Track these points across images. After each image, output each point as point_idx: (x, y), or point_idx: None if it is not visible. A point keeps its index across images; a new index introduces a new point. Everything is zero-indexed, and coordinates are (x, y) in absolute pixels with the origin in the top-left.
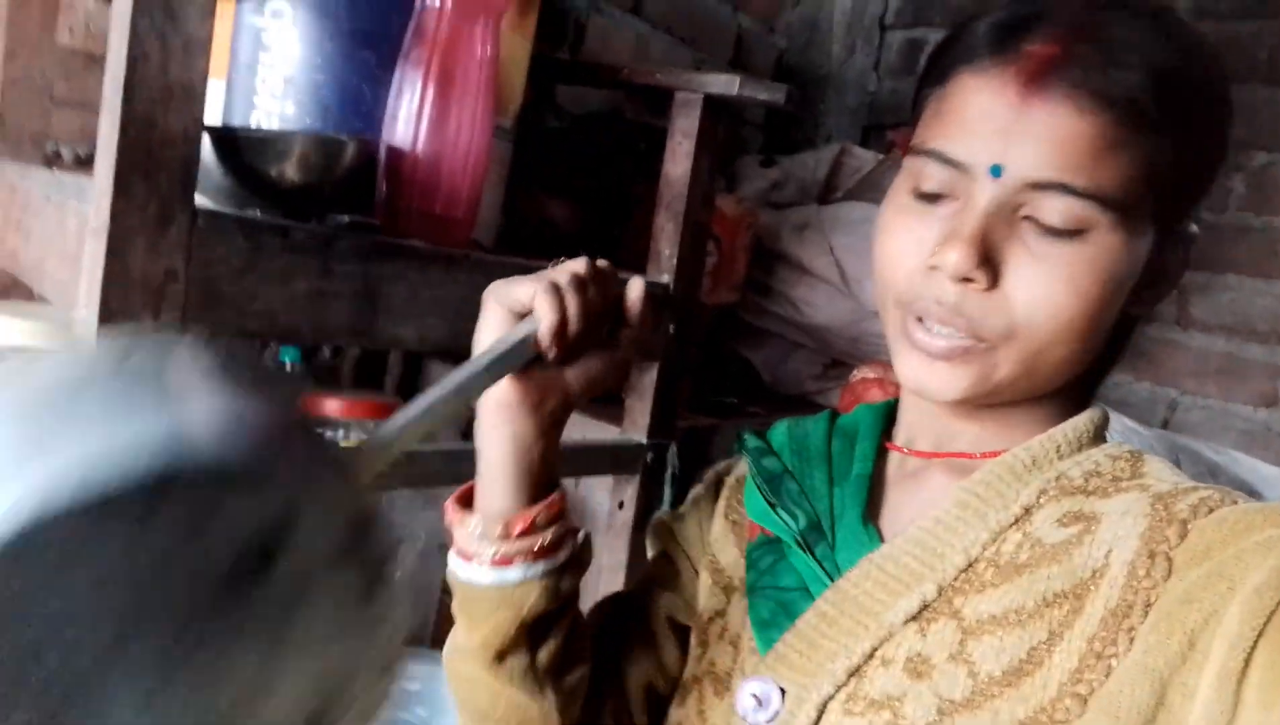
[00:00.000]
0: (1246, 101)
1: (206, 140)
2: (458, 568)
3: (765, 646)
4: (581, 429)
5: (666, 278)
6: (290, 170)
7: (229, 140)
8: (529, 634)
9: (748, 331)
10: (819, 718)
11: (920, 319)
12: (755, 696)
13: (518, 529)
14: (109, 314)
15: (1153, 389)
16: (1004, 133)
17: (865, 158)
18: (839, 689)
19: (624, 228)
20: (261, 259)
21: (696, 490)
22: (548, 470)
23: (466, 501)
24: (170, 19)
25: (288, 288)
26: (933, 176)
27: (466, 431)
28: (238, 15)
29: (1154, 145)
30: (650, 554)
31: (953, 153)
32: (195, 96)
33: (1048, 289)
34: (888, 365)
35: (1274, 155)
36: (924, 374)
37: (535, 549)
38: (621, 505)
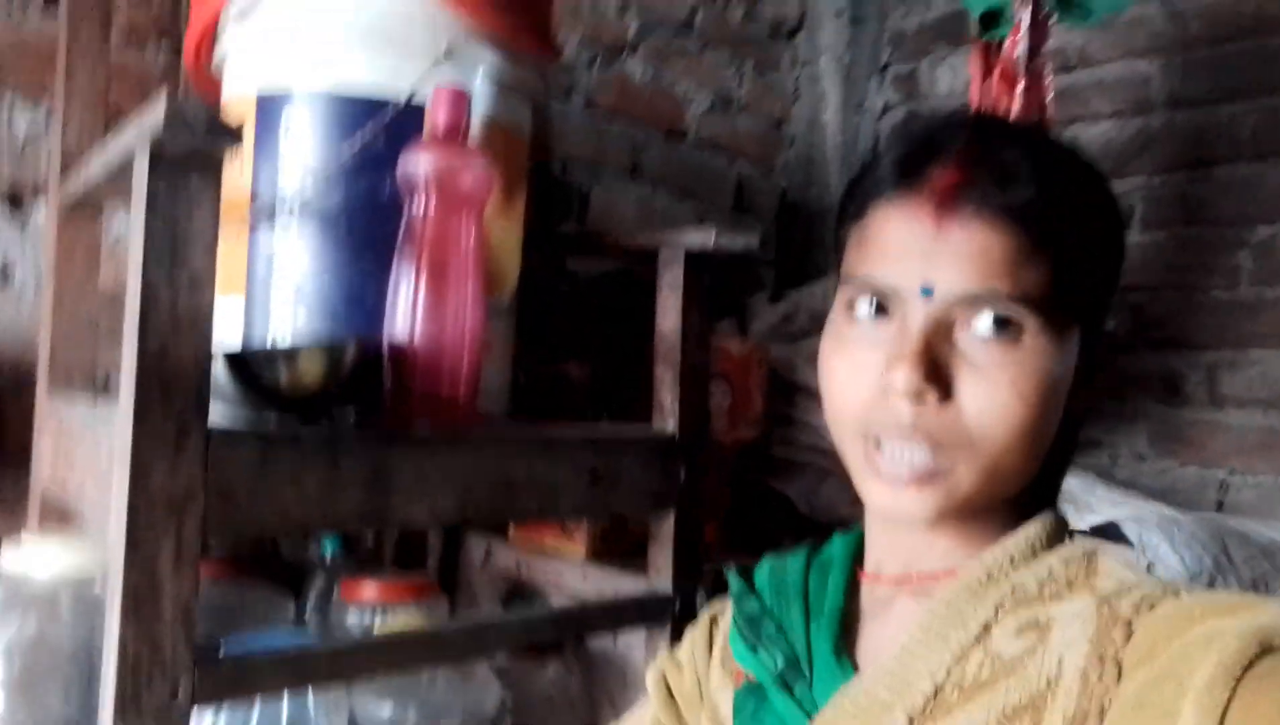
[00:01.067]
0: (1238, 180)
1: (218, 364)
2: None
3: None
4: (614, 583)
5: (671, 426)
6: (298, 379)
7: (238, 360)
8: None
9: (779, 465)
10: None
11: (879, 445)
12: None
13: None
14: (135, 532)
15: (1200, 472)
16: (926, 256)
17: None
18: None
19: (638, 383)
20: (273, 465)
21: (692, 633)
22: None
23: None
24: (176, 258)
25: (299, 486)
26: (866, 301)
27: (510, 592)
28: (252, 239)
29: (1060, 249)
30: (649, 707)
31: (883, 279)
32: (203, 325)
33: (996, 396)
34: None
35: (1275, 226)
36: (892, 501)
37: None
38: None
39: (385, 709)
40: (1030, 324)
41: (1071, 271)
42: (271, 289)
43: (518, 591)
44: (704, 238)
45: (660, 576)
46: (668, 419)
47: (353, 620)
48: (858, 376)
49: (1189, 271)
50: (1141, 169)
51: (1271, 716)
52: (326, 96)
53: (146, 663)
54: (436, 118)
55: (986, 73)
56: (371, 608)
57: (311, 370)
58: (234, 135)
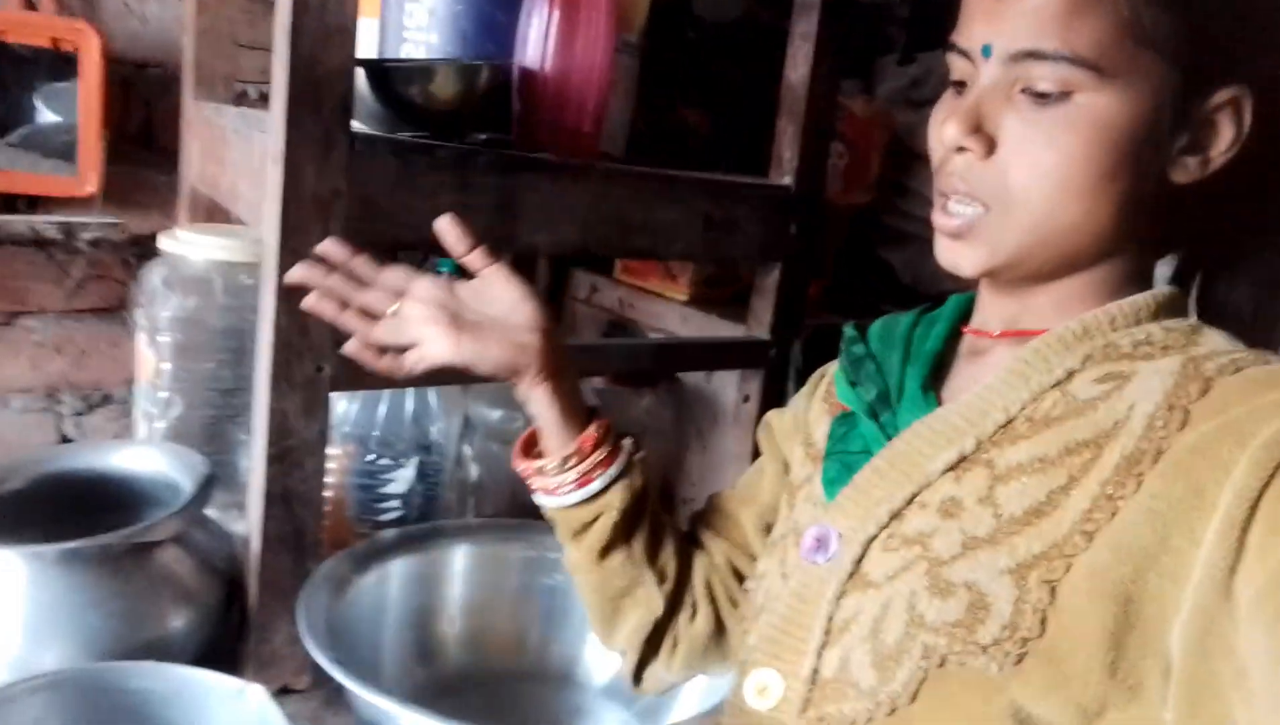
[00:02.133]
0: None
1: (361, 74)
2: (549, 503)
3: (830, 499)
4: (712, 327)
5: (788, 180)
6: (433, 95)
7: (379, 72)
8: (623, 529)
9: (888, 233)
10: (863, 554)
11: (946, 201)
12: (816, 538)
13: (576, 454)
14: (288, 228)
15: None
16: (989, 16)
17: None
18: (881, 529)
19: (757, 137)
20: (410, 176)
21: (803, 388)
22: (575, 411)
23: (526, 453)
24: None
25: (433, 201)
26: (955, 67)
27: (611, 327)
28: None
29: (1128, 3)
30: (761, 449)
31: (960, 43)
32: (349, 36)
33: (1033, 151)
34: None
35: None
36: (946, 253)
37: (602, 460)
38: (747, 399)
39: (496, 413)
40: (1083, 82)
41: (1147, 29)
42: (404, 14)
43: (619, 327)
44: None
45: (760, 325)
46: (785, 173)
47: None
48: (936, 137)
49: None
50: None
51: None
52: None
53: (296, 344)
54: None
55: None
56: None
57: (447, 86)
58: None
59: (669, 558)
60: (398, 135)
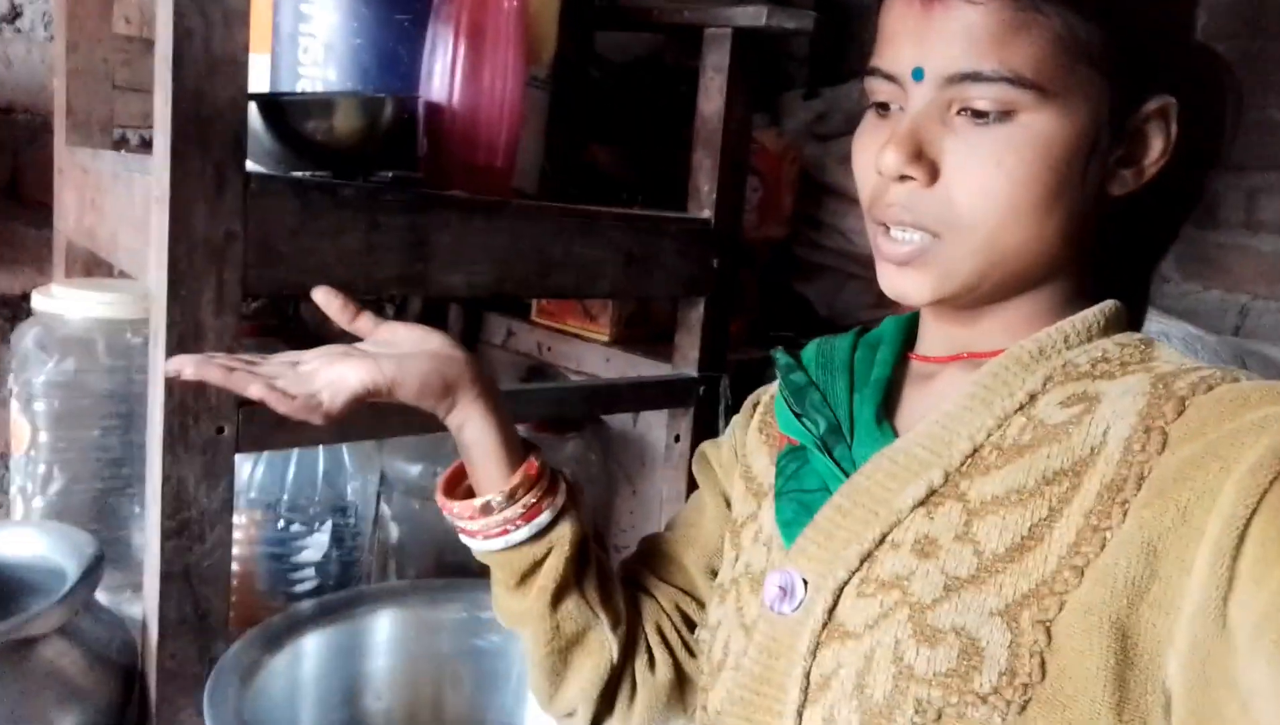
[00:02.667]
0: None
1: (254, 110)
2: (491, 546)
3: (789, 542)
4: (636, 367)
5: (706, 213)
6: (334, 131)
7: (274, 107)
8: (575, 566)
9: (802, 267)
10: (835, 602)
11: (887, 230)
12: (780, 588)
13: (523, 484)
14: (178, 276)
15: (1222, 297)
16: (917, 38)
17: None
18: (853, 574)
19: (672, 170)
20: (313, 217)
21: (736, 417)
22: (514, 436)
23: (450, 492)
24: None
25: (339, 243)
26: (877, 91)
27: (530, 372)
28: None
29: (1062, 19)
30: (698, 483)
31: (885, 67)
32: (238, 67)
33: (979, 173)
34: None
35: None
36: (894, 282)
37: (548, 489)
38: (677, 438)
39: (415, 469)
40: (1023, 101)
41: (1084, 44)
42: (299, 48)
43: (538, 372)
44: (755, 16)
45: (686, 362)
46: (703, 206)
47: None
48: (867, 161)
49: (1245, 88)
50: None
51: None
52: None
53: (193, 404)
54: None
55: None
56: None
57: (349, 121)
58: None
59: (619, 600)
60: (296, 175)
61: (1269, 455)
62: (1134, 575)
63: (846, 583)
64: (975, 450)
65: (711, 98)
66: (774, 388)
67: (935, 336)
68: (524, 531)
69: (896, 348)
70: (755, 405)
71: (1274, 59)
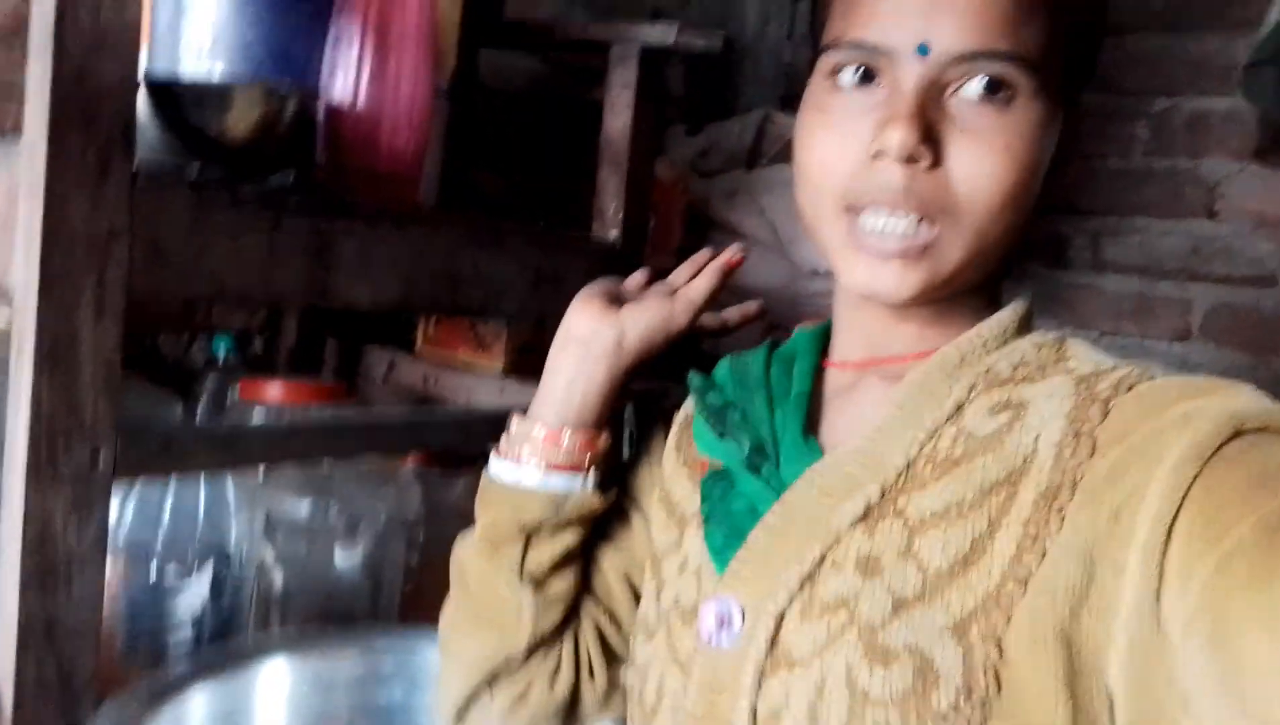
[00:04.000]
0: (1144, 49)
1: (143, 95)
2: (492, 462)
3: (721, 569)
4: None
5: (614, 234)
6: (233, 124)
7: (166, 92)
8: (525, 535)
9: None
10: (778, 629)
11: (858, 218)
12: (717, 617)
13: (543, 436)
14: (51, 276)
15: (1073, 333)
16: (922, 12)
17: (788, 123)
18: (793, 598)
19: (560, 203)
20: (209, 216)
21: (649, 434)
22: (596, 409)
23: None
24: None
25: (237, 247)
26: (853, 67)
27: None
28: None
29: (1059, 12)
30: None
31: (874, 40)
32: (130, 43)
33: (987, 159)
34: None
35: (1173, 99)
36: (875, 276)
37: (551, 462)
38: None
39: (303, 507)
40: (1025, 86)
41: (1067, 41)
42: (181, 41)
43: (424, 406)
44: (664, 34)
45: None
46: (610, 226)
47: (255, 422)
48: (844, 145)
49: (1087, 138)
50: None
51: (1229, 496)
52: None
53: (64, 424)
54: None
55: None
56: (276, 409)
57: (249, 113)
58: None
59: (560, 594)
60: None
61: (1191, 451)
62: (1073, 582)
63: (788, 607)
64: (909, 464)
65: (619, 115)
66: (688, 407)
67: (853, 341)
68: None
69: (813, 360)
70: (668, 423)
71: (1110, 111)
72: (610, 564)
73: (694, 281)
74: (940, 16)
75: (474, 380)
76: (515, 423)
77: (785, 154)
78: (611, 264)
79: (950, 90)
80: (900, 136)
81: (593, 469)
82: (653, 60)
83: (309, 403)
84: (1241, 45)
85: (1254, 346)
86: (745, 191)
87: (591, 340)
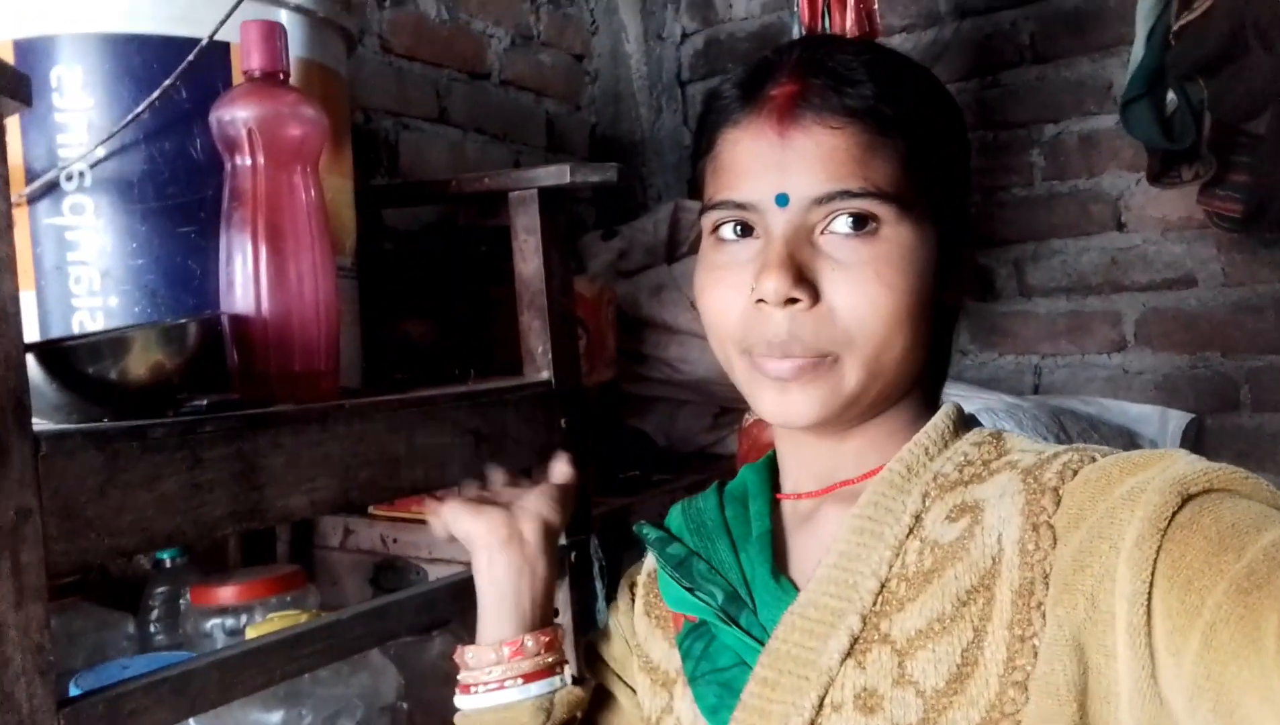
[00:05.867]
0: (1023, 82)
1: (31, 361)
2: (460, 702)
3: None
4: None
5: (546, 374)
6: (133, 369)
7: (57, 354)
8: None
9: (633, 401)
10: None
11: (752, 356)
12: None
13: (509, 652)
14: None
15: (1016, 360)
16: (777, 166)
17: (698, 210)
18: None
19: (487, 331)
20: (121, 469)
21: (615, 604)
22: (538, 602)
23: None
24: None
25: (156, 491)
26: (730, 224)
27: (378, 568)
28: (33, 220)
29: (903, 142)
30: (599, 682)
31: (740, 197)
32: (9, 318)
33: (862, 289)
34: None
35: (1060, 124)
36: (780, 404)
37: (527, 673)
38: (557, 613)
39: (275, 718)
40: (886, 215)
41: (920, 165)
42: (69, 279)
43: (387, 568)
44: (559, 174)
45: None
46: (540, 368)
47: (211, 628)
48: (731, 295)
49: (989, 173)
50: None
51: (1195, 566)
52: (104, 39)
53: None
54: (250, 56)
55: None
56: (234, 611)
57: (147, 355)
58: (20, 91)
59: None
60: (95, 425)
61: (1148, 527)
62: (1071, 676)
63: None
64: (883, 585)
65: (528, 259)
66: (650, 564)
67: (802, 472)
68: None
69: (767, 496)
70: (632, 586)
71: (1004, 144)
72: None
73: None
74: (791, 168)
75: (431, 533)
76: (471, 654)
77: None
78: (550, 404)
79: (818, 230)
80: (773, 284)
81: (564, 665)
82: (552, 201)
83: (265, 598)
84: (1113, 65)
85: (1189, 346)
86: (670, 286)
87: (491, 543)
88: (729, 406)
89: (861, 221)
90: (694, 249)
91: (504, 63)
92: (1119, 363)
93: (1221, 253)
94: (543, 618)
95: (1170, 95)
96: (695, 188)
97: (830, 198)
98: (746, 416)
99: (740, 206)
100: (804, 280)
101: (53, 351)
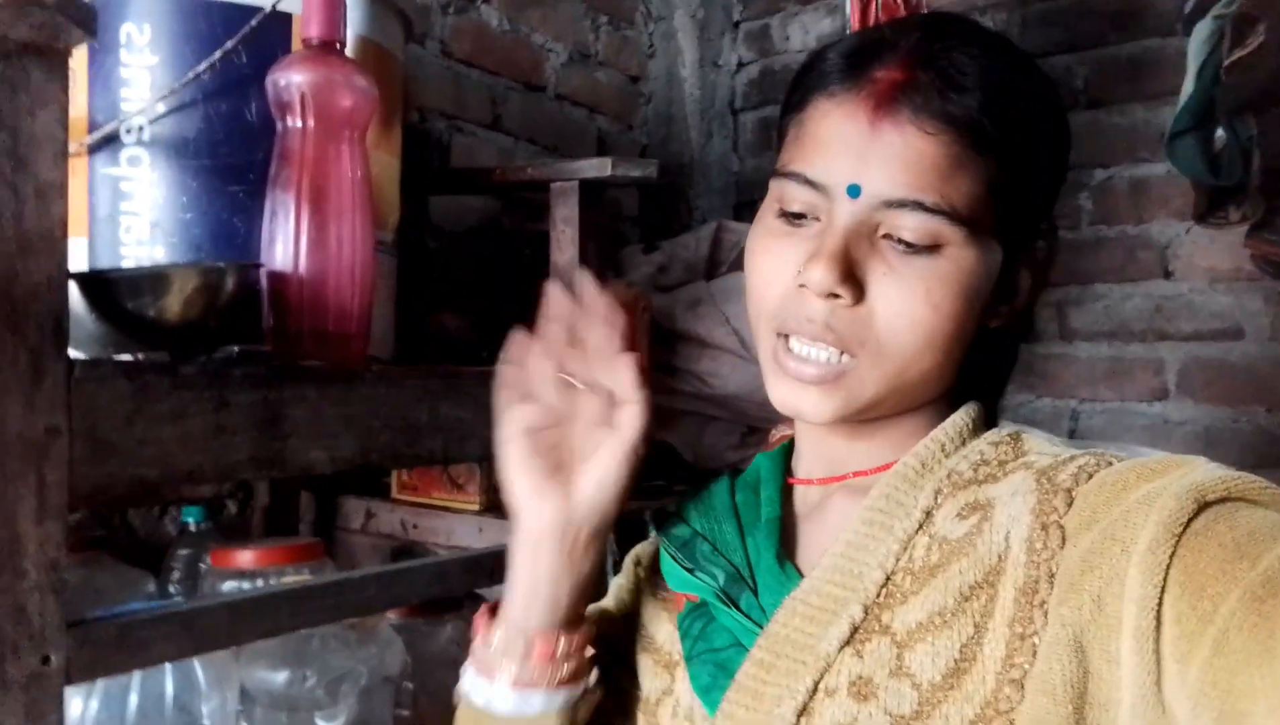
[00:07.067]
0: (1074, 127)
1: (75, 288)
2: (475, 689)
3: (713, 710)
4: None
5: None
6: (170, 307)
7: (100, 284)
8: None
9: (661, 414)
10: None
11: (788, 339)
12: None
13: (538, 651)
14: None
15: (1054, 403)
16: (859, 155)
17: (742, 230)
18: None
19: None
20: (150, 402)
21: (616, 580)
22: (576, 602)
23: (495, 611)
24: (20, 167)
25: (181, 427)
26: (796, 198)
27: (396, 553)
28: (91, 169)
29: (995, 162)
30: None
31: (813, 175)
32: (56, 244)
33: (907, 303)
34: None
35: (1110, 169)
36: (795, 399)
37: (557, 679)
38: None
39: (280, 677)
40: (953, 236)
41: (1003, 188)
42: (120, 228)
43: (406, 552)
44: (600, 167)
45: None
46: None
47: (228, 591)
48: (778, 270)
49: None
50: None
51: (1209, 572)
52: (174, 0)
53: (11, 632)
54: (310, 24)
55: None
56: (251, 574)
57: (185, 296)
58: (86, 22)
59: None
60: (127, 357)
61: (1162, 532)
62: (1070, 677)
63: None
64: (888, 578)
65: (564, 250)
66: (654, 544)
67: (815, 459)
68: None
69: (779, 483)
70: (636, 564)
71: None
72: None
73: (621, 374)
74: (873, 161)
75: (453, 520)
76: (500, 637)
77: (741, 260)
78: None
79: (880, 231)
80: (820, 275)
81: (593, 665)
82: (592, 192)
83: (283, 565)
84: (1166, 112)
85: (1231, 399)
86: (707, 301)
87: (540, 534)
88: (757, 425)
89: (926, 235)
90: (734, 268)
91: (560, 77)
92: (1159, 412)
93: (1270, 306)
94: (577, 615)
95: (1219, 132)
96: (778, 136)
97: (902, 205)
98: (773, 433)
99: (810, 185)
100: (852, 277)
101: (94, 281)
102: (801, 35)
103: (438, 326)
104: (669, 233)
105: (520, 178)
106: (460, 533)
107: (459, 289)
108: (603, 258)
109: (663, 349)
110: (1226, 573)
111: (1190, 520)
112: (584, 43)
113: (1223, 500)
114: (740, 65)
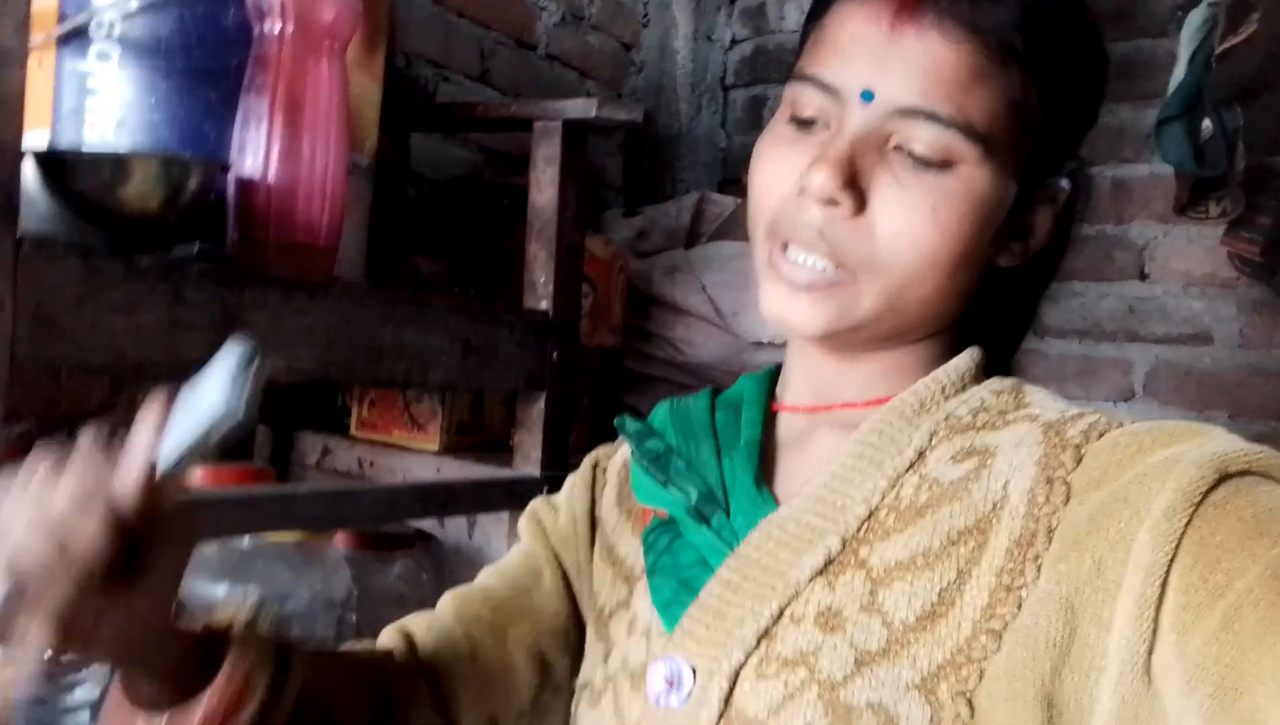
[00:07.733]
0: None
1: (30, 168)
2: None
3: (670, 625)
4: (471, 473)
5: (545, 304)
6: (129, 195)
7: (57, 164)
8: None
9: (633, 379)
10: (732, 688)
11: (786, 247)
12: (666, 679)
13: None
14: None
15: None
16: (876, 59)
17: (725, 203)
18: (749, 655)
19: (497, 279)
20: (102, 288)
21: (571, 479)
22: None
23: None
24: None
25: (134, 319)
26: (808, 103)
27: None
28: (59, 63)
29: (1021, 82)
30: (521, 544)
31: (827, 78)
32: (12, 111)
33: (911, 218)
34: None
35: (1094, 169)
36: (786, 306)
37: None
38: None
39: (220, 588)
40: (967, 155)
41: (1027, 112)
42: (85, 124)
43: None
44: (585, 108)
45: (527, 461)
46: (540, 297)
47: None
48: (780, 174)
49: None
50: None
51: (1227, 545)
52: None
53: None
54: None
55: None
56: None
57: (146, 184)
58: None
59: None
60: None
61: (1180, 499)
62: (1055, 635)
63: (744, 664)
64: (871, 513)
65: (544, 189)
66: (623, 454)
67: (802, 384)
68: None
69: (762, 407)
70: (595, 466)
71: None
72: (513, 639)
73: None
74: (890, 66)
75: (411, 459)
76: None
77: (722, 232)
78: (544, 334)
79: (892, 141)
80: (821, 179)
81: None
82: (575, 135)
83: (233, 486)
84: (1152, 114)
85: (1196, 403)
86: (685, 268)
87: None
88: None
89: (938, 148)
90: (714, 238)
91: (552, 36)
92: (1125, 411)
93: (1241, 313)
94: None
95: (1206, 123)
96: (800, 46)
97: (915, 113)
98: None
99: (824, 88)
100: (854, 185)
101: (51, 160)
102: (797, 15)
103: (411, 270)
104: (652, 203)
105: (503, 114)
106: (419, 471)
107: (436, 236)
108: (581, 204)
109: (638, 314)
110: (1245, 548)
111: (1209, 491)
112: (578, 5)
113: (1243, 473)
114: (734, 42)
